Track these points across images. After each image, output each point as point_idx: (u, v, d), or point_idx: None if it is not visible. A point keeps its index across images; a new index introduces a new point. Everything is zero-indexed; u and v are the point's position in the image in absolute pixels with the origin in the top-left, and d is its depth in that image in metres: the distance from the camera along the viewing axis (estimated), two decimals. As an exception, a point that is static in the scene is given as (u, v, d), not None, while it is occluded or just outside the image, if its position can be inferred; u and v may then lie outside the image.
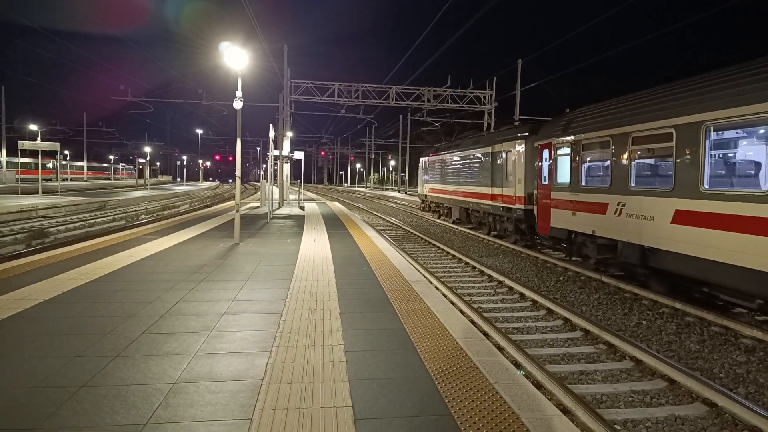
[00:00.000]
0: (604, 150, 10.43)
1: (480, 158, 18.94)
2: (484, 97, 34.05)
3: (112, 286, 6.87)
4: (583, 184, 11.30)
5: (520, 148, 15.46)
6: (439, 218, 25.37)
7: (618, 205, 9.75)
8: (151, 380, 3.84)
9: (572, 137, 11.74)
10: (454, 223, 22.64)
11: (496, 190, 17.22)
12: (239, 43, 11.73)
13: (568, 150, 11.97)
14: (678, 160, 8.18)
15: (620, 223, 9.70)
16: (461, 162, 21.35)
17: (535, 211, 14.10)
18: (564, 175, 12.14)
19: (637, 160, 9.55)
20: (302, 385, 3.80)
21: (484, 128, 32.35)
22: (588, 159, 11.35)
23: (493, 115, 33.88)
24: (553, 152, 12.73)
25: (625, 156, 9.62)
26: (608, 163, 10.23)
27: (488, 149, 17.99)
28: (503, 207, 16.60)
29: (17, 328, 5.04)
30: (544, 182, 13.33)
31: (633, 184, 9.44)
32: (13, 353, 4.37)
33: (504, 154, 16.72)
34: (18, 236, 17.11)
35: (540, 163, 13.60)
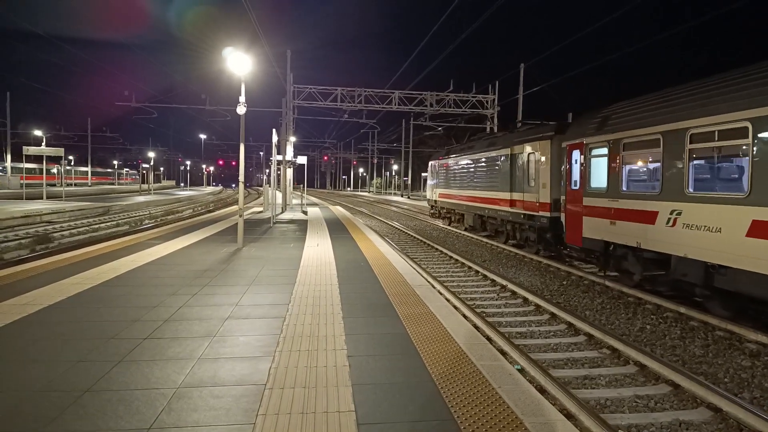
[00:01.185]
0: (653, 149, 9.03)
1: (497, 161, 17.45)
2: (487, 102, 34.11)
3: (115, 291, 6.89)
4: (624, 189, 9.85)
5: (545, 149, 13.97)
6: (449, 225, 23.97)
7: (671, 213, 8.39)
8: (154, 385, 3.85)
9: (610, 135, 10.26)
10: (466, 230, 21.22)
11: (516, 196, 15.75)
12: (242, 48, 11.80)
13: (604, 150, 10.51)
14: (756, 161, 6.92)
15: (674, 234, 8.31)
16: (475, 165, 19.87)
17: (562, 219, 12.58)
18: (599, 179, 10.71)
19: (696, 161, 8.18)
20: (305, 390, 3.80)
21: (488, 130, 32.30)
22: (630, 160, 9.93)
23: (495, 120, 33.92)
24: (585, 153, 11.27)
25: (681, 156, 8.23)
26: (658, 164, 8.86)
27: (506, 151, 16.58)
28: (524, 214, 15.11)
29: (21, 333, 5.05)
30: (573, 187, 11.85)
31: (691, 190, 8.09)
32: (17, 357, 4.39)
33: (525, 156, 15.20)
34: (22, 241, 17.18)
35: (569, 166, 12.11)
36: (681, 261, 8.35)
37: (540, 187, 14.15)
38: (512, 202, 16.05)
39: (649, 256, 9.18)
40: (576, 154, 11.80)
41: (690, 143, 8.15)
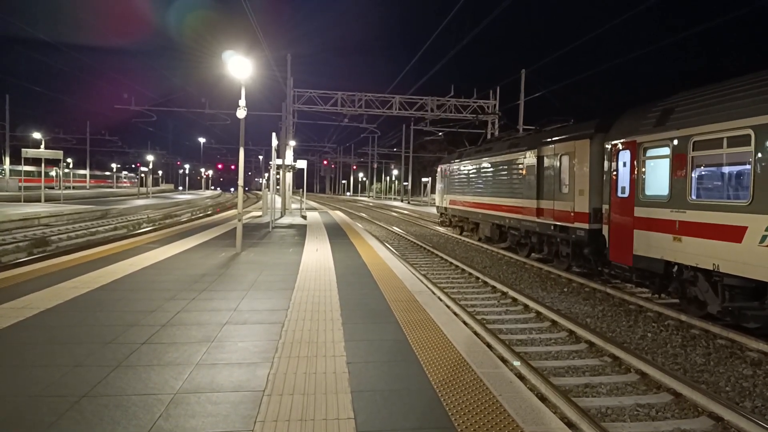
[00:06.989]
0: (739, 148, 7.40)
1: (521, 164, 15.43)
2: (488, 107, 34.16)
3: (113, 295, 6.86)
4: (695, 197, 8.22)
5: (583, 149, 12.02)
6: (461, 234, 22.21)
7: None
8: (152, 390, 3.81)
9: (674, 132, 8.62)
10: (480, 240, 19.58)
11: (545, 204, 13.75)
12: (243, 53, 11.80)
13: (665, 150, 8.92)
14: None
15: None
16: (494, 169, 17.82)
17: (605, 233, 10.86)
18: (658, 185, 9.13)
19: None
20: (304, 397, 3.76)
21: (488, 135, 32.30)
22: (705, 162, 8.32)
23: (496, 125, 33.98)
24: (638, 154, 9.61)
25: None
26: (746, 167, 7.32)
27: (533, 152, 14.55)
28: (555, 225, 13.11)
29: (18, 337, 5.01)
30: (621, 194, 10.19)
31: None
32: (13, 362, 4.35)
33: (557, 159, 13.25)
34: (20, 244, 17.13)
35: (614, 169, 10.46)
36: None
37: (575, 194, 12.24)
38: (539, 211, 14.07)
39: (733, 283, 7.52)
40: (625, 156, 10.09)
41: None
